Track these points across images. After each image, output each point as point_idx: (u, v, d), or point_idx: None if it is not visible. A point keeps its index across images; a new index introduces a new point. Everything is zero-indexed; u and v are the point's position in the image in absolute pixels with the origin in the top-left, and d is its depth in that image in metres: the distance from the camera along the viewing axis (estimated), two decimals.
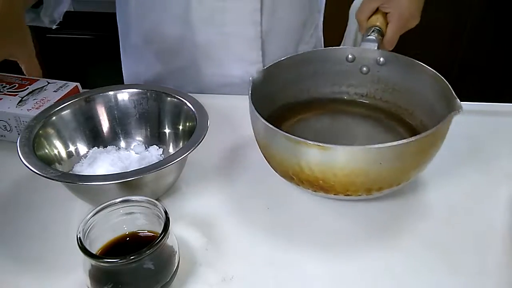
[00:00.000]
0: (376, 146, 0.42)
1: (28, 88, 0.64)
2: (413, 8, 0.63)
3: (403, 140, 0.42)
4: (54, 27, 0.78)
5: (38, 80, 0.66)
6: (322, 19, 0.86)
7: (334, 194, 0.47)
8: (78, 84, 0.66)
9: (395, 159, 0.44)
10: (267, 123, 0.46)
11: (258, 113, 0.48)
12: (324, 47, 0.89)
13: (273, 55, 0.76)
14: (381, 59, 0.59)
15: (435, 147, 0.47)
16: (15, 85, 0.65)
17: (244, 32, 0.73)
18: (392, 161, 0.44)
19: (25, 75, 0.67)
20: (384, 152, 0.43)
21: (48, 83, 0.65)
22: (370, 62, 0.60)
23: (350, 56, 0.60)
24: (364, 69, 0.61)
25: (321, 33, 0.87)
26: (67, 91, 0.63)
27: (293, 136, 0.44)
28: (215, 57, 0.76)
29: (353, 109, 0.63)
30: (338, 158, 0.43)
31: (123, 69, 0.88)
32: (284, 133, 0.45)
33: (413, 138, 0.43)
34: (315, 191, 0.48)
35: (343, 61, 0.61)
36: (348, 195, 0.47)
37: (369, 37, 0.61)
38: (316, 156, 0.43)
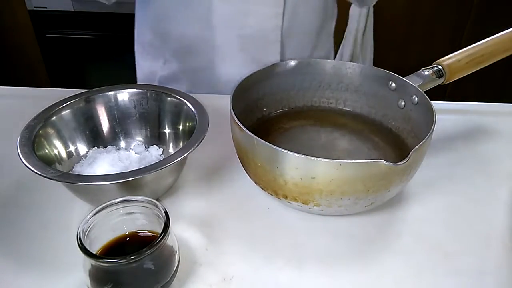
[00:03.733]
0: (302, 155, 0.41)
1: None
2: None
3: (331, 160, 0.41)
4: (110, 3, 0.77)
5: None
6: (334, 26, 0.85)
7: (274, 195, 0.48)
8: None
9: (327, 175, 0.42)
10: (232, 110, 0.48)
11: (232, 106, 0.49)
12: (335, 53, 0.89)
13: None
14: (416, 98, 0.54)
15: (356, 186, 0.43)
16: None
17: (264, 35, 0.73)
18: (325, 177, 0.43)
19: None
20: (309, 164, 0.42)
21: None
22: (407, 97, 0.56)
23: (393, 85, 0.57)
24: (402, 103, 0.57)
25: (332, 40, 0.87)
26: None
27: (242, 126, 0.46)
28: (232, 59, 0.75)
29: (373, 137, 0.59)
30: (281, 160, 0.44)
31: (136, 67, 0.87)
32: (238, 122, 0.46)
33: (342, 161, 0.41)
34: (261, 186, 0.49)
35: (386, 87, 0.58)
36: (287, 200, 0.47)
37: (419, 71, 0.56)
38: (263, 151, 0.45)
